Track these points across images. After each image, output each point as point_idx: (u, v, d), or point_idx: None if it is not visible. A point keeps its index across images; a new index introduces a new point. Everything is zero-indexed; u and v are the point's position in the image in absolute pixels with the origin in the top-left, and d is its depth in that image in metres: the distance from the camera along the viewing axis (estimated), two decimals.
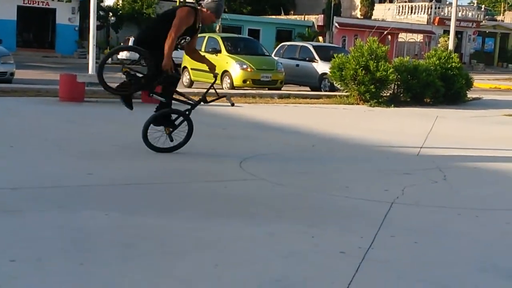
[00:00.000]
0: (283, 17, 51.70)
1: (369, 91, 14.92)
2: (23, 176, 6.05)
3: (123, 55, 33.17)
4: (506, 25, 58.73)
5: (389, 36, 44.87)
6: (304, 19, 49.24)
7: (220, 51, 18.98)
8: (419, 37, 50.91)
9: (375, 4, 51.92)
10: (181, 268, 3.85)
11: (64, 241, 4.23)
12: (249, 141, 9.01)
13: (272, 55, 21.12)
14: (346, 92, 15.86)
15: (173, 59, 7.36)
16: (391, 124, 12.01)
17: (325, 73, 18.59)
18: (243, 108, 13.26)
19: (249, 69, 18.32)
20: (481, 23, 53.91)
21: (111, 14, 42.71)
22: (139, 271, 3.75)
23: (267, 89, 17.88)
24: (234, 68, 18.30)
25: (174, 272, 3.78)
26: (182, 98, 7.89)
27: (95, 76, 14.78)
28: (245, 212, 5.19)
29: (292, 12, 54.96)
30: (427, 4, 51.39)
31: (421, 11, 51.01)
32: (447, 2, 54.46)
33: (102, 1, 43.91)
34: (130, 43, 36.82)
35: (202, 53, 19.11)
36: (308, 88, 20.11)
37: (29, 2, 38.52)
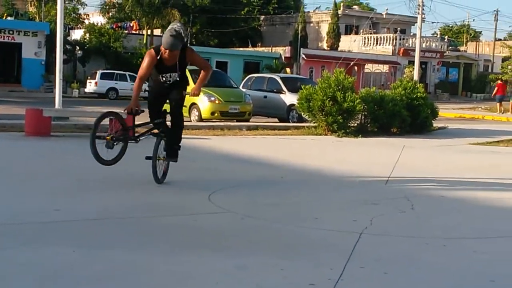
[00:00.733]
0: (250, 49, 52.16)
1: (336, 121, 15.06)
2: None
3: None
4: (469, 56, 60.06)
5: (356, 67, 45.52)
6: (272, 51, 49.74)
7: (187, 84, 18.98)
8: (385, 68, 51.71)
9: (341, 36, 52.69)
10: None
11: (30, 279, 4.16)
12: (218, 173, 9.00)
13: (240, 87, 21.22)
14: (314, 123, 15.98)
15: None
16: (359, 154, 12.11)
17: (293, 104, 18.71)
18: (211, 140, 13.27)
19: (217, 101, 18.37)
20: (444, 54, 55.03)
21: (78, 47, 42.63)
22: None
23: (235, 121, 17.92)
24: (202, 100, 18.32)
25: None
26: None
27: (61, 110, 14.77)
28: (215, 245, 5.16)
29: (259, 44, 55.52)
30: (392, 35, 52.34)
31: (386, 42, 51.91)
32: (412, 34, 55.49)
33: (68, 35, 43.90)
34: (97, 76, 36.75)
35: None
36: (276, 120, 20.20)
37: None
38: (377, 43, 52.23)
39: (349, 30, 55.60)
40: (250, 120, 18.74)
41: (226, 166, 9.72)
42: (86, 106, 23.08)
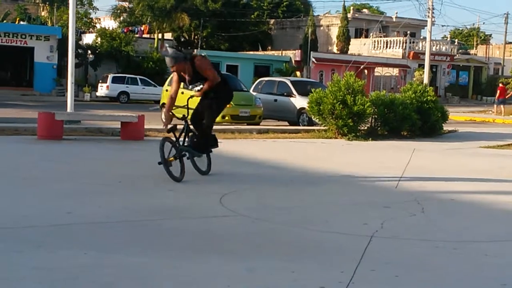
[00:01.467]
0: (260, 52, 52.21)
1: (347, 125, 15.06)
2: (0, 215, 6.00)
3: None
4: (479, 59, 59.82)
5: (366, 71, 45.44)
6: (282, 55, 49.76)
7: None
8: (394, 71, 51.60)
9: (351, 39, 52.62)
10: None
11: (42, 282, 4.20)
12: (228, 176, 9.02)
13: (250, 91, 21.24)
14: (324, 126, 15.98)
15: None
16: (369, 157, 12.10)
17: (303, 108, 18.72)
18: (222, 143, 13.25)
19: (227, 105, 18.37)
20: (455, 57, 54.85)
21: (89, 51, 42.80)
22: None
23: (245, 124, 17.93)
24: None
25: None
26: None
27: (73, 113, 14.86)
28: (225, 249, 5.19)
29: (269, 48, 55.56)
30: (401, 38, 52.22)
31: (396, 45, 51.80)
32: (421, 37, 55.39)
33: (80, 39, 44.12)
34: (109, 80, 36.89)
35: (181, 90, 19.42)
36: (286, 123, 20.22)
37: (7, 41, 38.51)
38: (387, 47, 52.13)
39: (359, 34, 55.53)
40: (261, 124, 18.75)
41: (237, 169, 9.74)
42: (98, 110, 23.17)
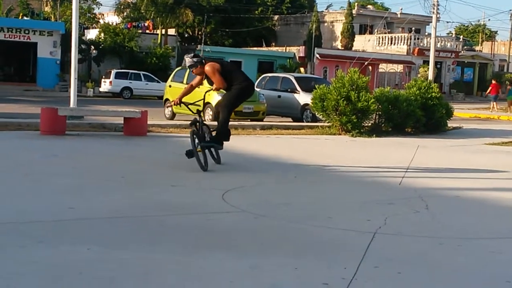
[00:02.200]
0: (264, 48, 52.16)
1: (350, 121, 15.01)
2: (3, 210, 5.99)
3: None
4: (484, 55, 59.67)
5: (370, 67, 45.39)
6: (286, 51, 49.70)
7: (202, 83, 18.97)
8: (399, 68, 51.49)
9: (355, 36, 52.53)
10: None
11: (45, 277, 4.18)
12: (231, 172, 9.00)
13: (254, 87, 21.17)
14: (328, 122, 15.94)
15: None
16: (373, 154, 12.06)
17: (307, 104, 18.68)
18: None
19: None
20: (460, 53, 54.71)
21: (93, 47, 42.81)
22: None
23: (249, 120, 17.91)
24: (216, 100, 18.27)
25: None
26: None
27: (76, 109, 14.85)
28: (228, 245, 5.17)
29: (273, 44, 55.50)
30: (406, 35, 52.12)
31: (401, 42, 51.68)
32: (426, 33, 55.26)
33: (83, 35, 44.11)
34: (112, 76, 36.88)
35: (184, 85, 19.40)
36: (290, 119, 20.18)
37: (10, 36, 38.52)
38: (391, 43, 52.02)
39: (363, 30, 55.43)
40: (264, 120, 18.72)
41: (240, 166, 9.72)
42: (101, 105, 23.17)
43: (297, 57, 48.06)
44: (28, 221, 5.64)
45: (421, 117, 16.12)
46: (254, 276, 4.40)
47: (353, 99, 14.97)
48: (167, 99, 20.46)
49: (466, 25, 77.32)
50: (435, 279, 4.51)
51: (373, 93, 16.19)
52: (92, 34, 46.14)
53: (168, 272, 4.39)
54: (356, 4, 57.50)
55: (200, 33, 53.00)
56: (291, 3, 58.47)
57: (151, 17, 46.70)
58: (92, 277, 4.21)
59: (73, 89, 15.49)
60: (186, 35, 55.63)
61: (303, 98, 19.61)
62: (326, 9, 61.23)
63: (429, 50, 36.49)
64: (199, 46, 46.44)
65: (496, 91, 33.41)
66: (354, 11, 53.49)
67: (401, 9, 58.12)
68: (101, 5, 57.38)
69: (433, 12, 33.66)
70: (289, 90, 20.57)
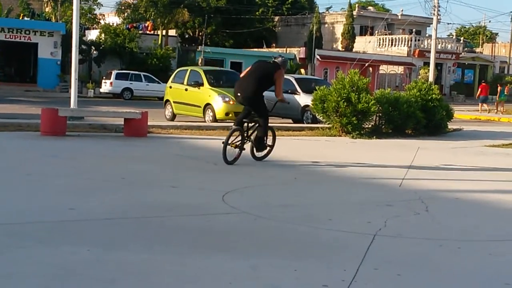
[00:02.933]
0: (265, 49, 52.13)
1: (351, 123, 15.01)
2: (4, 211, 6.00)
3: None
4: (484, 57, 59.68)
5: (370, 68, 45.40)
6: (286, 52, 49.66)
7: (202, 84, 19.01)
8: (399, 69, 51.51)
9: (356, 37, 52.55)
10: None
11: (45, 277, 4.19)
12: (232, 173, 9.00)
13: None
14: (328, 124, 15.94)
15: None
16: (373, 155, 12.06)
17: (307, 105, 18.67)
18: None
19: (231, 102, 18.32)
20: (460, 55, 54.72)
21: (93, 48, 42.81)
22: None
23: None
24: (216, 101, 18.34)
25: None
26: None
27: (76, 110, 14.86)
28: (228, 246, 5.18)
29: (274, 45, 55.48)
30: (407, 36, 52.12)
31: (401, 43, 51.70)
32: (427, 35, 55.27)
33: (84, 35, 44.11)
34: (113, 76, 36.90)
35: (185, 86, 19.46)
36: (290, 120, 20.16)
37: (11, 37, 38.53)
38: (392, 44, 52.03)
39: (364, 31, 55.45)
40: None
41: (240, 167, 9.71)
42: (101, 106, 23.19)
43: (298, 58, 48.07)
44: (29, 222, 5.65)
45: (422, 118, 16.12)
46: (253, 277, 4.41)
47: (354, 100, 14.97)
48: (167, 100, 20.48)
49: (466, 26, 77.47)
50: (435, 281, 4.51)
51: (374, 94, 16.18)
52: (92, 34, 46.15)
53: (168, 273, 4.40)
54: (356, 5, 57.57)
55: (200, 34, 52.98)
56: (291, 4, 58.48)
57: (151, 17, 46.67)
58: (92, 278, 4.22)
59: (73, 90, 15.50)
60: (186, 36, 55.61)
61: (303, 99, 19.59)
62: (326, 11, 61.27)
63: (429, 51, 36.49)
64: (199, 47, 46.45)
65: (486, 93, 34.19)
66: (354, 13, 53.52)
67: (402, 10, 58.03)
68: (102, 5, 57.40)
69: (434, 14, 33.67)
70: (289, 91, 20.49)
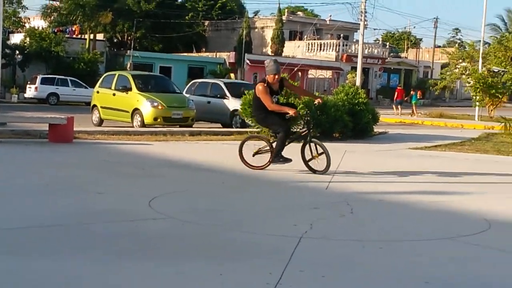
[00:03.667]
0: (194, 54, 52.03)
1: None
2: None
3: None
4: (409, 62, 61.36)
5: (299, 73, 45.90)
6: (216, 56, 49.74)
7: (130, 89, 18.81)
8: (328, 74, 52.30)
9: (285, 42, 53.05)
10: None
11: None
12: (159, 179, 8.93)
13: (184, 92, 21.11)
14: (257, 128, 16.01)
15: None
16: (300, 159, 12.17)
17: (236, 110, 18.73)
18: (154, 146, 13.17)
19: (160, 107, 18.23)
20: (386, 60, 56.03)
21: (17, 52, 41.68)
22: None
23: (178, 126, 17.81)
24: (145, 105, 18.18)
25: None
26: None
27: (1, 116, 14.37)
28: (154, 252, 5.13)
29: (203, 50, 55.42)
30: (335, 41, 53.00)
31: (330, 48, 52.54)
32: (354, 40, 56.32)
33: (8, 39, 42.88)
34: (38, 81, 36.02)
35: (112, 91, 19.20)
36: (219, 125, 20.19)
37: None
38: (320, 49, 52.81)
39: (293, 36, 56.05)
40: (193, 126, 18.67)
41: (168, 172, 9.66)
42: (25, 112, 22.55)
43: (227, 63, 48.17)
44: None
45: (349, 122, 16.40)
46: (179, 283, 4.38)
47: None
48: (94, 105, 20.16)
49: (392, 32, 79.30)
50: (358, 281, 4.60)
51: (302, 99, 16.35)
52: (17, 38, 44.96)
53: (92, 281, 4.32)
54: (286, 10, 58.11)
55: (129, 38, 52.38)
56: (221, 9, 58.54)
57: (78, 21, 45.82)
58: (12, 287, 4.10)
59: None
60: (115, 40, 54.88)
61: (232, 103, 19.65)
62: (255, 16, 61.62)
63: (357, 56, 37.18)
64: (128, 51, 45.91)
65: (401, 96, 35.58)
66: (284, 18, 54.06)
67: (330, 16, 59.04)
68: (27, 8, 55.86)
69: (361, 20, 34.32)
70: (218, 96, 20.58)
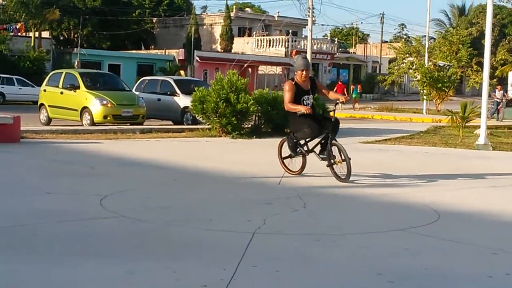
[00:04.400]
0: (143, 51, 51.56)
1: (230, 123, 15.11)
2: None
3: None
4: (358, 57, 62.08)
5: (250, 69, 45.93)
6: (165, 53, 49.38)
7: (78, 87, 18.52)
8: (278, 69, 52.49)
9: (235, 38, 53.01)
10: None
11: None
12: (110, 177, 8.81)
13: (133, 90, 20.89)
14: (208, 125, 15.97)
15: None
16: (253, 155, 12.21)
17: (187, 107, 18.63)
18: (104, 144, 12.99)
19: (109, 105, 18.00)
20: (335, 55, 56.55)
21: None
22: None
23: (128, 124, 17.63)
24: (94, 104, 17.91)
25: None
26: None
27: None
28: (105, 251, 5.05)
29: (152, 47, 54.94)
30: (284, 37, 53.20)
31: (279, 44, 52.72)
32: (303, 36, 56.66)
33: None
34: None
35: (60, 90, 18.87)
36: (170, 122, 20.05)
37: None
38: (270, 45, 52.95)
39: (242, 32, 56.05)
40: (144, 123, 18.50)
41: (119, 170, 9.53)
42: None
43: (177, 60, 47.88)
44: None
45: None
46: (131, 282, 4.32)
47: (233, 101, 15.08)
48: (42, 104, 19.79)
49: (340, 28, 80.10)
50: (312, 275, 4.60)
51: (253, 94, 16.38)
52: None
53: (38, 282, 4.22)
54: (234, 7, 58.04)
55: (76, 36, 51.54)
56: (168, 5, 58.09)
57: (22, 19, 44.83)
58: None
59: None
60: (62, 38, 53.94)
61: (183, 101, 19.54)
62: (203, 12, 61.40)
63: (306, 52, 37.41)
64: (75, 49, 45.17)
65: (341, 91, 36.06)
66: (232, 14, 53.99)
67: (278, 12, 59.17)
68: None
69: (309, 15, 34.51)
70: (169, 93, 20.44)
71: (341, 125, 19.12)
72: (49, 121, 19.41)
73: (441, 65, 34.71)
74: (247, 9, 64.50)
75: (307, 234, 5.84)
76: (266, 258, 4.97)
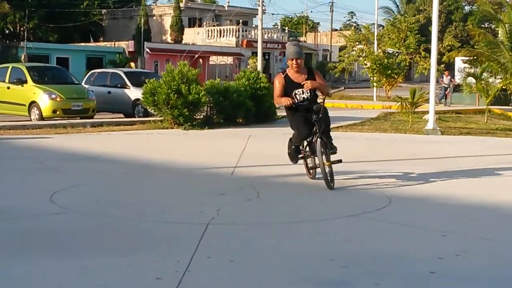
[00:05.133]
0: (92, 44, 50.77)
1: (182, 114, 15.03)
2: None
3: None
4: (308, 46, 62.30)
5: (201, 60, 45.76)
6: (115, 46, 48.73)
7: (26, 82, 18.15)
8: (229, 60, 52.39)
9: (185, 29, 52.67)
10: None
11: None
12: (61, 173, 8.67)
13: (82, 83, 20.58)
14: (160, 116, 15.85)
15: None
16: (206, 146, 12.18)
17: (138, 99, 18.44)
18: (54, 139, 12.77)
19: (58, 99, 17.70)
20: (286, 44, 56.66)
21: None
22: None
23: (79, 118, 17.36)
24: (42, 98, 17.59)
25: None
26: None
27: None
28: (57, 247, 4.98)
29: (101, 39, 54.16)
30: (234, 27, 53.09)
31: (230, 34, 52.59)
32: (254, 25, 56.62)
33: None
34: None
35: (7, 84, 18.46)
36: (121, 115, 19.83)
37: None
38: (220, 35, 52.78)
39: (192, 23, 55.70)
40: (95, 117, 18.25)
41: (69, 165, 9.39)
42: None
43: (127, 52, 47.31)
44: None
45: (251, 107, 16.49)
46: (84, 278, 4.27)
47: (184, 92, 15.00)
48: None
49: (290, 17, 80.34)
50: (266, 264, 4.63)
51: (204, 85, 16.32)
52: None
53: None
54: None
55: (22, 29, 50.44)
56: None
57: None
58: None
59: None
60: (7, 32, 52.73)
61: (134, 93, 19.34)
62: (152, 3, 60.81)
63: (257, 41, 37.40)
64: (21, 43, 44.21)
65: None
66: (182, 5, 53.59)
67: (228, 2, 58.99)
68: None
69: (259, 5, 34.52)
70: (119, 85, 20.20)
71: None
72: None
73: (390, 52, 35.12)
74: None
75: (261, 223, 5.87)
76: (221, 249, 4.97)
